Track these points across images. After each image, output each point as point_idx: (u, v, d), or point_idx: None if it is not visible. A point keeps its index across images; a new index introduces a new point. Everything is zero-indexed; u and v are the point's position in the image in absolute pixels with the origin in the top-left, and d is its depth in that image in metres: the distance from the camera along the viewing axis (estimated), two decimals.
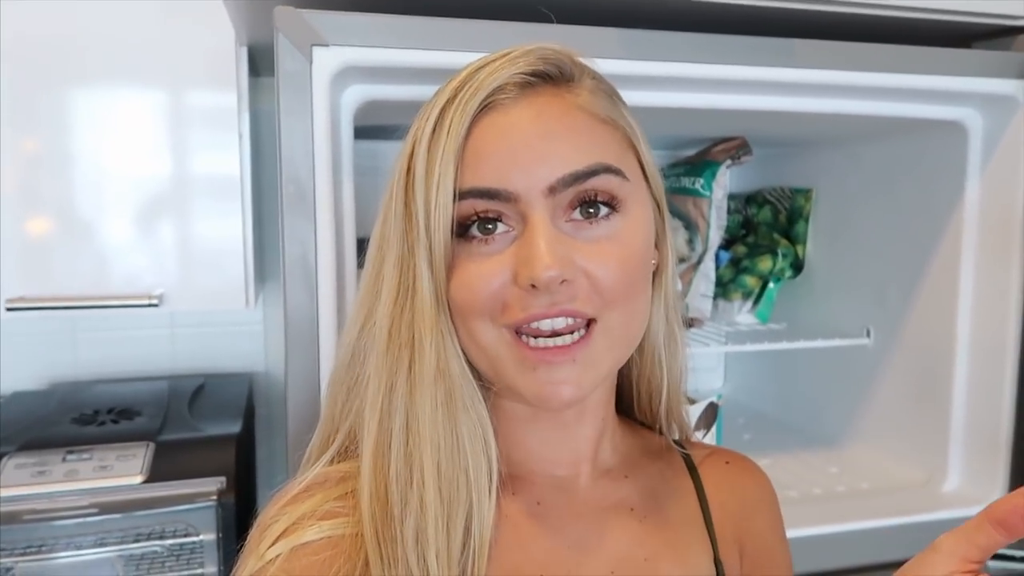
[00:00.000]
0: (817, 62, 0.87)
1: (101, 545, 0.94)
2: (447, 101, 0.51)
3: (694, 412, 1.13)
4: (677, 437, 0.67)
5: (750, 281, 1.36)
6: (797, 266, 1.38)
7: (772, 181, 1.45)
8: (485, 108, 0.51)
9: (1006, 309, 1.01)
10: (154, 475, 0.97)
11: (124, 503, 0.94)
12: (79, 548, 0.93)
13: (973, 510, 1.02)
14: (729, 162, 1.23)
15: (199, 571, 0.96)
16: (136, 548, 0.95)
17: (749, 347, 1.20)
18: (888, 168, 1.20)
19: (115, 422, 1.11)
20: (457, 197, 0.50)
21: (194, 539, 0.96)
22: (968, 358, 1.06)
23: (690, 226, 1.28)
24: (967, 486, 1.07)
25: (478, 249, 0.51)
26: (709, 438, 1.15)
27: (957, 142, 1.03)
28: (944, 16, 0.91)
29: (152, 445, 1.02)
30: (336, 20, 0.73)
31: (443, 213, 0.50)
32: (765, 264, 1.34)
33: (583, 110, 0.52)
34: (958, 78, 0.92)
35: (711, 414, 1.15)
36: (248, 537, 0.54)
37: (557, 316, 0.49)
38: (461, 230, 0.51)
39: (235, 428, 1.08)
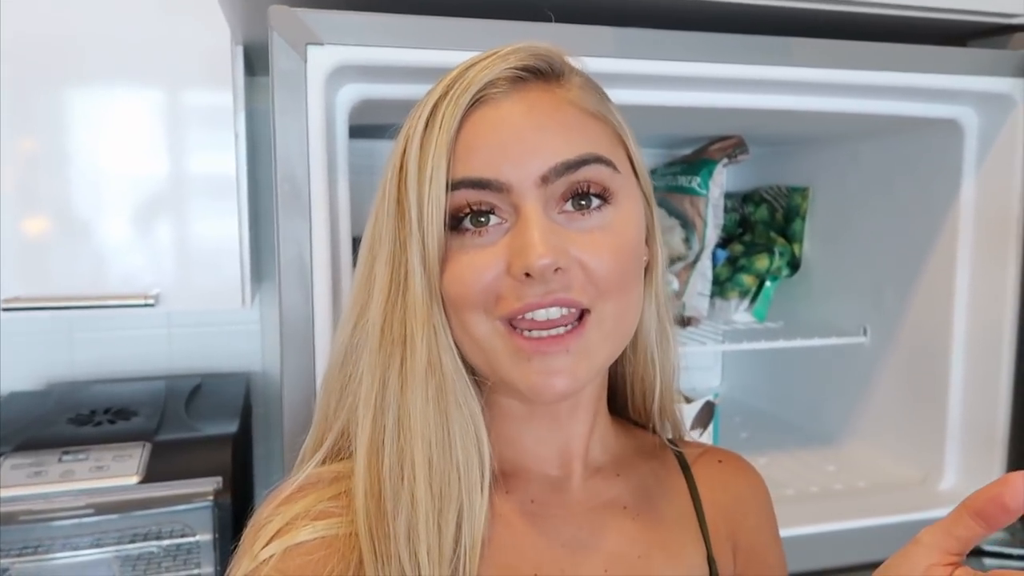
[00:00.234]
0: (813, 61, 0.87)
1: (98, 545, 0.94)
2: (439, 98, 0.52)
3: (691, 411, 1.13)
4: (670, 436, 0.67)
5: (747, 280, 1.36)
6: (794, 265, 1.38)
7: (769, 179, 1.46)
8: (476, 103, 0.51)
9: (1002, 307, 1.01)
10: (151, 475, 0.97)
11: (121, 503, 0.94)
12: (76, 549, 0.93)
13: None
14: (726, 160, 1.23)
15: (196, 571, 0.96)
16: (133, 548, 0.94)
17: (746, 346, 1.20)
18: (884, 166, 1.20)
19: (112, 422, 1.11)
20: (449, 189, 0.50)
21: (191, 539, 0.96)
22: (964, 356, 1.06)
23: (687, 225, 1.28)
24: (964, 484, 1.07)
25: (471, 241, 0.51)
26: (706, 437, 1.15)
27: (953, 140, 1.03)
28: (940, 14, 0.91)
29: (149, 445, 1.02)
30: (331, 19, 0.73)
31: (436, 206, 0.50)
32: (762, 263, 1.34)
33: (573, 104, 0.53)
34: (954, 76, 0.92)
35: (708, 413, 1.15)
36: (242, 537, 0.54)
37: (551, 305, 0.50)
38: (454, 223, 0.51)
39: (232, 428, 1.08)
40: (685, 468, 0.65)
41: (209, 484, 0.97)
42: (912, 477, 1.13)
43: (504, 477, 0.57)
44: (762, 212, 1.45)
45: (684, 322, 1.27)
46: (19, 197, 1.01)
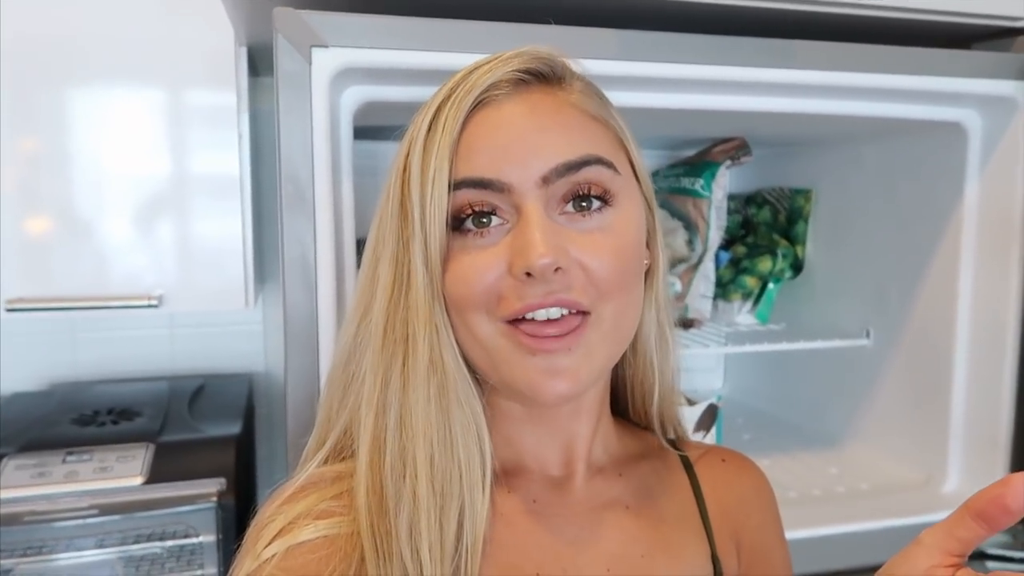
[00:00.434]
0: (816, 63, 0.87)
1: (101, 546, 0.94)
2: (442, 101, 0.52)
3: (694, 414, 1.13)
4: (672, 437, 0.67)
5: (750, 282, 1.36)
6: (797, 267, 1.38)
7: (772, 181, 1.45)
8: (479, 105, 0.52)
9: (1005, 309, 1.01)
10: (154, 476, 0.97)
11: (124, 504, 0.94)
12: (79, 549, 0.93)
13: None
14: (729, 162, 1.23)
15: (199, 572, 0.96)
16: (136, 549, 0.95)
17: (749, 348, 1.20)
18: (887, 169, 1.20)
19: (115, 423, 1.11)
20: (451, 189, 0.50)
21: (194, 540, 0.96)
22: (967, 358, 1.06)
23: (690, 227, 1.28)
24: (967, 487, 1.07)
25: (473, 242, 0.51)
26: (709, 439, 1.15)
27: (956, 143, 1.03)
28: (943, 17, 0.91)
29: (152, 446, 1.02)
30: (335, 21, 0.73)
31: (438, 206, 0.50)
32: (765, 265, 1.34)
33: (575, 107, 0.54)
34: (957, 79, 0.92)
35: (711, 416, 1.15)
36: (245, 537, 0.54)
37: (552, 305, 0.50)
38: (456, 223, 0.52)
39: (235, 429, 1.08)
40: (688, 468, 0.65)
41: (212, 485, 0.97)
42: (915, 479, 1.12)
43: (506, 476, 0.57)
44: (765, 214, 1.45)
45: (687, 324, 1.27)
46: (21, 197, 1.01)
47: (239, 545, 0.54)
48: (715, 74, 0.84)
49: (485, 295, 0.51)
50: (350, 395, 0.55)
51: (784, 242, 1.38)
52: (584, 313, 0.51)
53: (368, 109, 0.80)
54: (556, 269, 0.49)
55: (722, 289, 1.38)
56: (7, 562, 0.91)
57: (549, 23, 0.74)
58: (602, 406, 0.60)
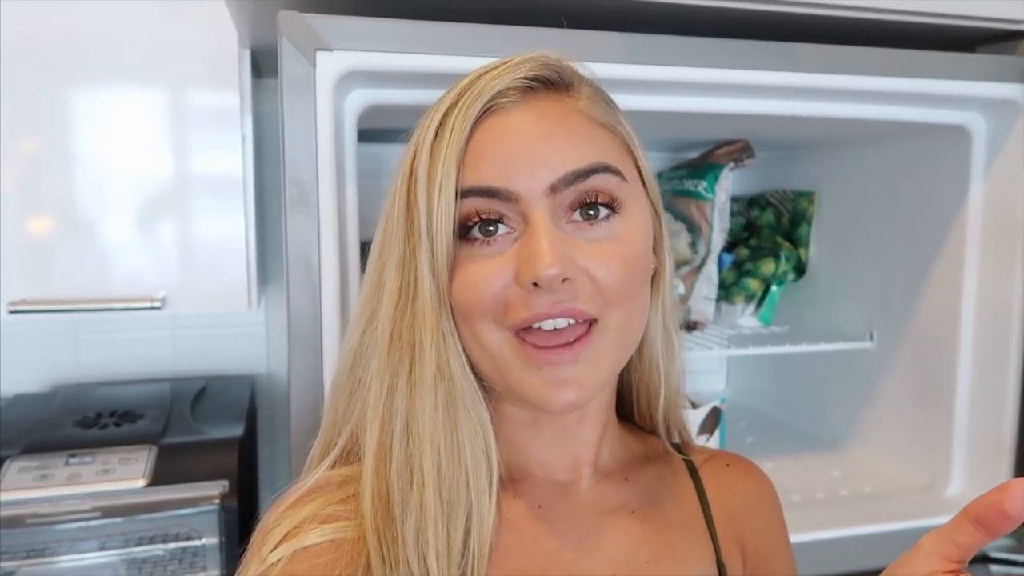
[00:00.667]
0: (820, 66, 0.87)
1: (103, 549, 0.94)
2: (449, 106, 0.52)
3: (697, 417, 1.13)
4: (677, 441, 0.67)
5: (753, 284, 1.35)
6: (800, 269, 1.38)
7: (775, 184, 1.45)
8: (487, 112, 0.52)
9: (1009, 312, 1.01)
10: (157, 478, 0.97)
11: (127, 507, 0.94)
12: (81, 552, 0.93)
13: None
14: (732, 165, 1.23)
15: (201, 575, 0.96)
16: (139, 552, 0.94)
17: (752, 350, 1.19)
18: (891, 171, 1.20)
19: (117, 425, 1.11)
20: (458, 197, 0.50)
21: (196, 543, 0.96)
22: (971, 361, 1.06)
23: (693, 229, 1.28)
24: (971, 490, 1.07)
25: (480, 251, 0.51)
26: (712, 442, 1.15)
27: (960, 146, 1.03)
28: (948, 20, 0.91)
29: (155, 448, 1.02)
30: (340, 25, 0.73)
31: (445, 214, 0.50)
32: (768, 267, 1.34)
33: (583, 114, 0.53)
34: (962, 82, 0.92)
35: (714, 418, 1.15)
36: (250, 541, 0.54)
37: (559, 316, 0.50)
38: (463, 231, 0.51)
39: (237, 431, 1.08)
40: (693, 472, 0.65)
41: (215, 488, 0.97)
42: (919, 483, 1.12)
43: (511, 482, 0.57)
44: (768, 216, 1.45)
45: (690, 326, 1.27)
46: (23, 198, 1.01)
47: (244, 549, 0.54)
48: (719, 77, 0.84)
49: (492, 304, 0.50)
50: (356, 401, 0.55)
51: (787, 244, 1.38)
52: (591, 321, 0.51)
53: (372, 112, 0.80)
54: (563, 279, 0.48)
55: (725, 291, 1.37)
56: (9, 564, 0.91)
57: (553, 27, 0.74)
58: (608, 411, 0.60)
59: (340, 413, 0.57)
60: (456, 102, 0.52)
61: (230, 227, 1.08)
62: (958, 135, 1.02)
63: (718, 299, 1.33)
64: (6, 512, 0.91)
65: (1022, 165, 0.98)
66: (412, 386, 0.52)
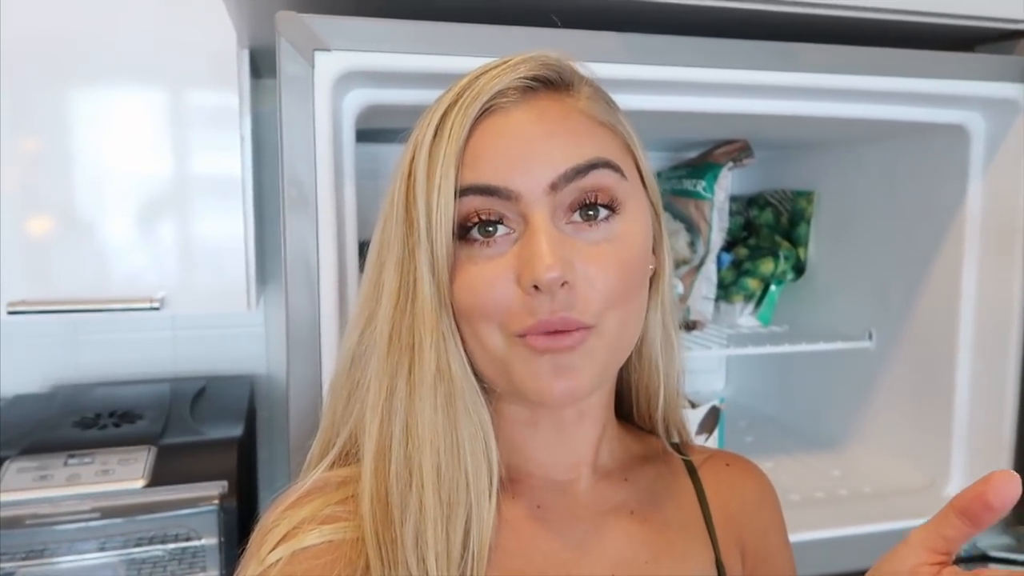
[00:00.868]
0: (819, 66, 0.87)
1: (103, 549, 0.94)
2: (448, 106, 0.52)
3: (696, 416, 1.13)
4: (676, 441, 0.67)
5: (752, 283, 1.36)
6: (799, 268, 1.38)
7: (774, 183, 1.45)
8: (486, 112, 0.52)
9: (1008, 312, 1.01)
10: (156, 479, 0.97)
11: (126, 507, 0.94)
12: (81, 552, 0.93)
13: None
14: (731, 164, 1.23)
15: (201, 575, 0.96)
16: (138, 552, 0.94)
17: (751, 350, 1.20)
18: (890, 171, 1.20)
19: (117, 425, 1.11)
20: (457, 196, 0.50)
21: (196, 543, 0.96)
22: (970, 361, 1.06)
23: (692, 228, 1.28)
24: None
25: (480, 252, 0.51)
26: (711, 441, 1.15)
27: (959, 145, 1.03)
28: (947, 20, 0.91)
29: (154, 449, 1.02)
30: (338, 25, 0.73)
31: (444, 215, 0.50)
32: (767, 266, 1.34)
33: (583, 113, 0.53)
34: (960, 82, 0.92)
35: (713, 418, 1.15)
36: (249, 541, 0.54)
37: (557, 324, 0.50)
38: (462, 232, 0.51)
39: (237, 431, 1.08)
40: (692, 472, 0.65)
41: (214, 488, 0.97)
42: (918, 482, 1.12)
43: (511, 482, 0.57)
44: (767, 216, 1.45)
45: (689, 326, 1.27)
46: (22, 198, 1.01)
47: (243, 549, 0.54)
48: (718, 77, 0.84)
49: (494, 307, 0.50)
50: (354, 401, 0.55)
51: (786, 244, 1.38)
52: (588, 327, 0.51)
53: (371, 112, 0.80)
54: (563, 283, 0.48)
55: (724, 291, 1.38)
56: (8, 565, 0.91)
57: (552, 26, 0.74)
58: (607, 411, 0.60)
59: (339, 413, 0.57)
60: (455, 102, 0.52)
61: (229, 227, 1.08)
62: (957, 134, 1.02)
63: (717, 299, 1.33)
64: (5, 513, 0.91)
65: (1021, 164, 0.98)
66: (412, 387, 0.52)
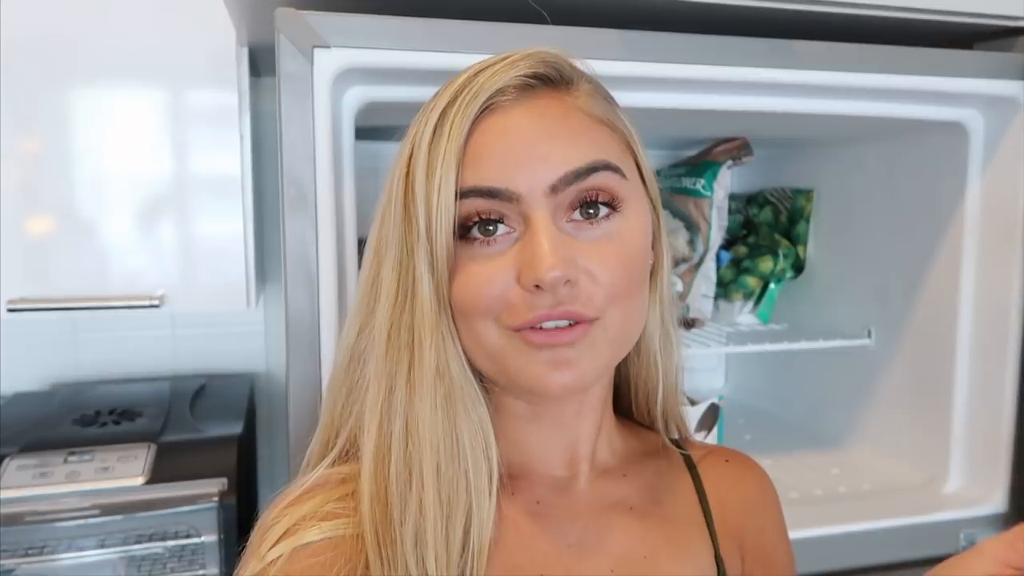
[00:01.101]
0: (818, 63, 0.87)
1: (103, 547, 0.94)
2: (447, 104, 0.51)
3: (695, 413, 1.13)
4: (675, 436, 0.67)
5: (751, 281, 1.36)
6: (798, 266, 1.38)
7: (773, 181, 1.45)
8: (485, 110, 0.51)
9: (1007, 309, 1.01)
10: (156, 476, 0.97)
11: (126, 504, 0.94)
12: (81, 550, 0.93)
13: (974, 511, 1.03)
14: (730, 162, 1.23)
15: (200, 572, 0.96)
16: (138, 549, 0.95)
17: (750, 348, 1.20)
18: (889, 169, 1.20)
19: (116, 423, 1.11)
20: (458, 197, 0.50)
21: (196, 540, 0.96)
22: (969, 358, 1.06)
23: (691, 227, 1.28)
24: (968, 487, 1.07)
25: (480, 251, 0.51)
26: (710, 439, 1.15)
27: (958, 143, 1.03)
28: (945, 17, 0.91)
29: (154, 446, 1.02)
30: (337, 22, 0.73)
31: (444, 215, 0.50)
32: (766, 264, 1.34)
33: (582, 111, 0.53)
34: (959, 79, 0.92)
35: (712, 415, 1.15)
36: (249, 539, 0.54)
37: (560, 318, 0.50)
38: (462, 231, 0.51)
39: (236, 429, 1.08)
40: (691, 468, 0.65)
41: (214, 485, 0.97)
42: (917, 480, 1.12)
43: (510, 479, 0.57)
44: (766, 214, 1.45)
45: (688, 324, 1.27)
46: (23, 197, 1.01)
47: (243, 546, 0.54)
48: (717, 74, 0.84)
49: (494, 304, 0.50)
50: (353, 400, 0.55)
51: (785, 242, 1.38)
52: (591, 320, 0.51)
53: (370, 109, 0.80)
54: (565, 281, 0.48)
55: (723, 289, 1.38)
56: (9, 562, 0.91)
57: (550, 23, 0.74)
58: (605, 406, 0.60)
59: (338, 411, 0.57)
60: (454, 100, 0.51)
61: (229, 226, 1.08)
62: (956, 132, 1.02)
63: (716, 297, 1.33)
64: (5, 510, 0.91)
65: (1020, 162, 0.98)
66: (411, 386, 0.51)
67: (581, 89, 0.54)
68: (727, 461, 0.67)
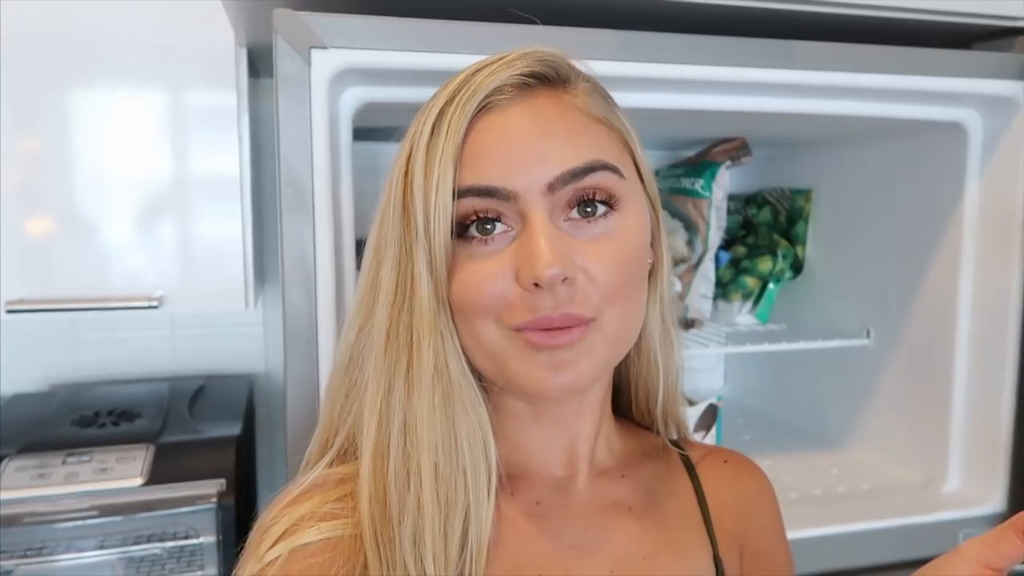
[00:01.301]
0: (816, 63, 0.87)
1: (101, 547, 0.94)
2: (445, 103, 0.52)
3: (694, 414, 1.13)
4: (675, 437, 0.67)
5: (750, 282, 1.36)
6: (797, 267, 1.38)
7: (772, 182, 1.45)
8: (483, 109, 0.51)
9: (1006, 310, 1.01)
10: (154, 477, 0.97)
11: (124, 505, 0.94)
12: (79, 551, 0.93)
13: (973, 511, 1.02)
14: (729, 163, 1.23)
15: (199, 573, 0.96)
16: (136, 550, 0.95)
17: (749, 348, 1.20)
18: (888, 169, 1.20)
19: (115, 424, 1.11)
20: (456, 196, 0.50)
21: (194, 541, 0.96)
22: (968, 359, 1.06)
23: (690, 227, 1.28)
24: (967, 487, 1.07)
25: (478, 249, 0.51)
26: (709, 439, 1.15)
27: (957, 143, 1.03)
28: (944, 17, 0.91)
29: (152, 447, 1.02)
30: (334, 23, 0.73)
31: (442, 213, 0.50)
32: (765, 265, 1.34)
33: (580, 110, 0.53)
34: (958, 79, 0.92)
35: (711, 416, 1.15)
36: (248, 539, 0.54)
37: (561, 321, 0.50)
38: (460, 230, 0.51)
39: (235, 430, 1.08)
40: (690, 468, 0.65)
41: (213, 486, 0.97)
42: (915, 480, 1.12)
43: (509, 479, 0.57)
44: (765, 214, 1.45)
45: (687, 324, 1.27)
46: (23, 198, 1.01)
47: (242, 547, 0.54)
48: (715, 75, 0.84)
49: (492, 301, 0.50)
50: (352, 400, 0.55)
51: (784, 242, 1.38)
52: (589, 320, 0.51)
53: (367, 110, 0.80)
54: (563, 279, 0.48)
55: (722, 289, 1.38)
56: (7, 563, 0.91)
57: (547, 24, 0.74)
58: (604, 406, 0.60)
59: (336, 411, 0.57)
60: (452, 99, 0.51)
61: (228, 227, 1.08)
62: (955, 132, 1.02)
63: (715, 297, 1.33)
64: (4, 511, 0.91)
65: (1019, 162, 0.98)
66: (410, 386, 0.52)
67: (579, 88, 0.54)
68: (726, 462, 0.67)
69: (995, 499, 1.03)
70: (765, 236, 1.42)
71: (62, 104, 1.01)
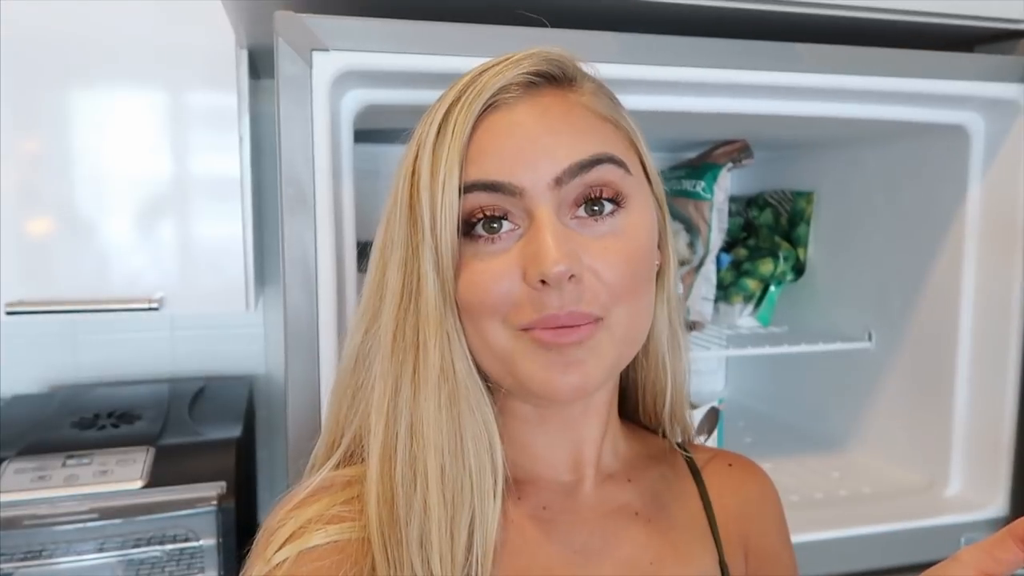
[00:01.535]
0: (819, 66, 0.87)
1: (101, 550, 0.93)
2: (451, 103, 0.52)
3: (696, 416, 1.13)
4: (680, 440, 0.67)
5: (751, 284, 1.35)
6: (798, 269, 1.38)
7: (773, 184, 1.45)
8: (489, 108, 0.51)
9: (1008, 313, 1.01)
10: (154, 480, 0.96)
11: (124, 508, 0.94)
12: (79, 553, 0.93)
13: (975, 515, 1.02)
14: (730, 165, 1.23)
15: None
16: (136, 553, 0.94)
17: (750, 351, 1.19)
18: (890, 171, 1.20)
19: (115, 426, 1.11)
20: (462, 192, 0.50)
21: (194, 544, 0.96)
22: (970, 362, 1.06)
23: (691, 229, 1.28)
24: (969, 491, 1.07)
25: (484, 248, 0.51)
26: (710, 442, 1.15)
27: (959, 146, 1.03)
28: (947, 20, 0.91)
29: (152, 449, 1.02)
30: (336, 25, 0.73)
31: (449, 212, 0.50)
32: (766, 267, 1.34)
33: (586, 108, 0.53)
34: (960, 82, 0.92)
35: (712, 419, 1.15)
36: (254, 542, 0.54)
37: (568, 320, 0.49)
38: (466, 229, 0.51)
39: (235, 432, 1.08)
40: (695, 472, 0.65)
41: (213, 489, 0.97)
42: (917, 483, 1.12)
43: (516, 483, 0.57)
44: (767, 216, 1.45)
45: (688, 327, 1.27)
46: (22, 199, 1.01)
47: (243, 550, 0.54)
48: (717, 77, 0.84)
49: (499, 301, 0.50)
50: (359, 401, 0.55)
51: (786, 244, 1.38)
52: (596, 319, 0.51)
53: (369, 112, 0.80)
54: (570, 277, 0.48)
55: (723, 291, 1.37)
56: (7, 566, 0.91)
57: (550, 27, 0.74)
58: (611, 409, 0.60)
59: (343, 412, 0.57)
60: (458, 99, 0.51)
61: (228, 228, 1.08)
62: (957, 135, 1.02)
63: (716, 299, 1.33)
64: (4, 513, 0.91)
65: (1021, 165, 0.98)
66: (416, 387, 0.51)
67: (584, 87, 0.55)
68: (730, 465, 0.67)
69: (997, 503, 1.03)
70: (766, 238, 1.42)
71: (62, 104, 1.01)
